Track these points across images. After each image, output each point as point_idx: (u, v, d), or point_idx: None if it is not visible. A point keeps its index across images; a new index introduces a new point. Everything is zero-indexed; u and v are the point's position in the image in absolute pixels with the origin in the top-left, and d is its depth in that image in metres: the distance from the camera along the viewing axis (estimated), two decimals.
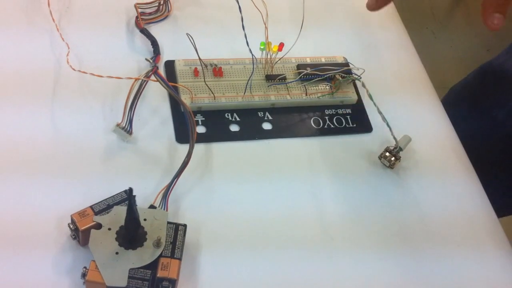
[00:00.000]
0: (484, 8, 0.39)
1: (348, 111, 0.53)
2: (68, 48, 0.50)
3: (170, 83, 0.48)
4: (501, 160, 0.65)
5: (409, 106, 0.55)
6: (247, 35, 0.49)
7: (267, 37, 0.50)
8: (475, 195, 0.50)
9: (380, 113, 0.47)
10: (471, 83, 0.70)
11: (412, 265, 0.45)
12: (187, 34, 0.48)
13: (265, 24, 0.50)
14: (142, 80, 0.46)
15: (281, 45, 0.51)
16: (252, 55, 0.49)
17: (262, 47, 0.51)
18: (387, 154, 0.48)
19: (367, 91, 0.48)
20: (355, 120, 0.53)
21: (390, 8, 0.64)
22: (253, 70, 0.51)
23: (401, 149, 0.48)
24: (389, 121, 0.49)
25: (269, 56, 0.52)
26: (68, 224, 0.40)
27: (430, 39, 1.68)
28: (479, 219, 0.49)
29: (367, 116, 0.53)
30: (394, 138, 0.48)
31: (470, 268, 0.46)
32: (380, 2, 0.48)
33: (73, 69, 0.47)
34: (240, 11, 0.47)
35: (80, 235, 0.40)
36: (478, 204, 0.50)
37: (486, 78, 0.67)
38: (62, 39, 0.50)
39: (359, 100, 0.54)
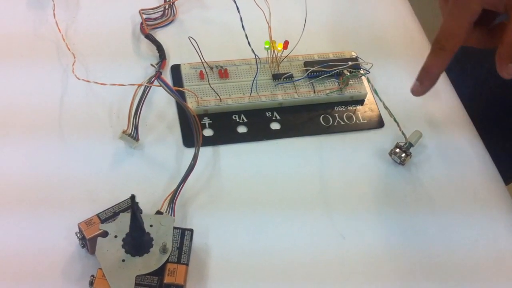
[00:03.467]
0: (499, 59, 0.40)
1: (359, 107, 0.52)
2: (74, 57, 0.50)
3: (175, 88, 0.48)
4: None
5: (423, 100, 0.53)
6: (253, 35, 0.48)
7: (271, 36, 0.50)
8: (491, 185, 0.48)
9: (386, 108, 0.46)
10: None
11: (421, 259, 0.44)
12: (189, 37, 0.48)
13: (268, 23, 0.49)
14: (146, 86, 0.46)
15: (286, 43, 0.50)
16: (255, 55, 0.49)
17: (266, 46, 0.50)
18: (397, 150, 0.47)
19: (372, 86, 0.47)
20: (366, 116, 0.52)
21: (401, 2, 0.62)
22: (257, 70, 0.50)
23: (411, 145, 0.47)
24: (402, 115, 0.47)
25: (274, 55, 0.51)
26: (76, 232, 0.40)
27: None
28: (497, 210, 0.47)
29: (378, 111, 0.52)
30: (403, 134, 0.47)
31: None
32: (426, 85, 0.45)
33: (78, 78, 0.48)
34: (239, 11, 0.46)
35: (87, 243, 0.40)
36: (497, 194, 0.48)
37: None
38: (68, 49, 0.51)
39: (370, 95, 0.53)
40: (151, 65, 0.51)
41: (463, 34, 0.41)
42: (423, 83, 0.44)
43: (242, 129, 0.49)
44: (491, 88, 0.64)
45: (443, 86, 0.55)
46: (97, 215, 0.41)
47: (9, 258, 0.40)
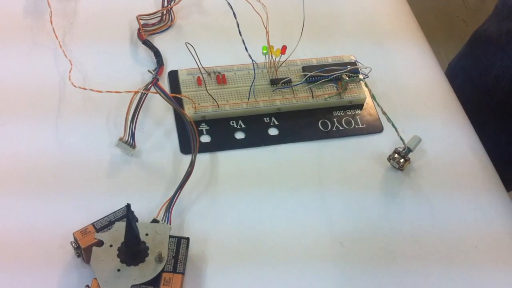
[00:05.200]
0: None
1: (358, 111, 0.52)
2: (71, 64, 0.50)
3: (172, 94, 0.48)
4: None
5: (423, 104, 0.53)
6: (250, 41, 0.48)
7: (269, 41, 0.49)
8: (493, 193, 0.48)
9: (384, 113, 0.46)
10: (463, 54, 0.68)
11: (421, 268, 0.43)
12: (186, 43, 0.47)
13: (265, 28, 0.49)
14: (142, 92, 0.46)
15: (283, 48, 0.50)
16: (253, 60, 0.48)
17: (264, 51, 0.50)
18: (396, 155, 0.47)
19: (370, 91, 0.47)
20: (365, 120, 0.51)
21: (400, 2, 0.62)
22: (254, 75, 0.50)
23: (410, 150, 0.46)
24: (401, 121, 0.47)
25: (272, 60, 0.51)
26: (71, 242, 0.40)
27: (462, 28, 1.63)
28: (498, 220, 0.46)
29: (378, 116, 0.52)
30: (402, 139, 0.46)
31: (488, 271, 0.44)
32: None
33: (74, 86, 0.48)
34: (235, 17, 0.46)
35: (83, 252, 0.40)
36: (497, 201, 0.47)
37: (474, 47, 0.65)
38: (65, 55, 0.51)
39: (370, 100, 0.52)
40: (149, 71, 0.51)
41: None
42: None
43: (240, 135, 0.49)
44: (497, 93, 0.64)
45: (444, 90, 0.55)
46: (93, 224, 0.40)
47: (3, 268, 0.40)
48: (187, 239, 0.41)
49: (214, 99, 0.49)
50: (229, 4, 0.47)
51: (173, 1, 0.55)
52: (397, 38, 0.58)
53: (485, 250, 0.45)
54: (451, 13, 1.65)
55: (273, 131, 0.50)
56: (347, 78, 0.51)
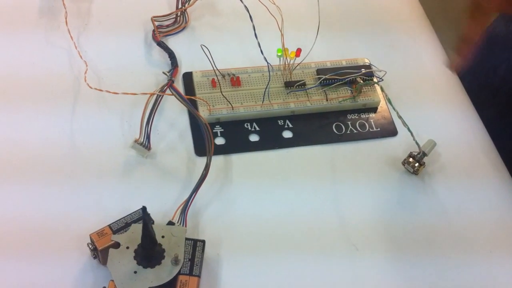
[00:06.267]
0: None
1: (372, 115, 0.52)
2: (86, 65, 0.50)
3: (186, 96, 0.48)
4: None
5: (437, 107, 0.53)
6: (265, 43, 0.48)
7: (283, 44, 0.49)
8: (508, 197, 0.48)
9: (400, 117, 0.46)
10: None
11: (438, 273, 0.43)
12: (201, 45, 0.47)
13: (280, 31, 0.49)
14: (158, 94, 0.46)
15: (298, 51, 0.50)
16: (268, 63, 0.48)
17: (279, 53, 0.50)
18: (411, 160, 0.46)
19: (386, 95, 0.47)
20: (379, 124, 0.51)
21: (415, 4, 0.62)
22: (269, 77, 0.50)
23: (425, 155, 0.46)
24: (415, 124, 0.47)
25: (287, 63, 0.51)
26: (88, 243, 0.40)
27: None
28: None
29: (392, 119, 0.51)
30: (417, 143, 0.46)
31: (503, 276, 0.44)
32: (464, 54, 0.47)
33: (90, 87, 0.48)
34: (251, 20, 0.46)
35: (99, 254, 0.40)
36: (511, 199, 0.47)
37: (481, 47, 0.65)
38: (80, 56, 0.51)
39: (383, 103, 0.52)
40: (163, 72, 0.50)
41: None
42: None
43: (254, 138, 0.49)
44: (506, 95, 0.63)
45: (458, 93, 0.55)
46: (109, 225, 0.40)
47: (19, 268, 0.40)
48: (203, 241, 0.41)
49: (229, 101, 0.49)
50: (245, 6, 0.47)
51: (187, 3, 0.55)
52: (410, 40, 0.58)
53: (499, 255, 0.45)
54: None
55: (287, 134, 0.50)
56: (361, 81, 0.51)
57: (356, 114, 0.51)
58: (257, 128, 0.50)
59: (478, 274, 0.43)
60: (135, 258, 0.39)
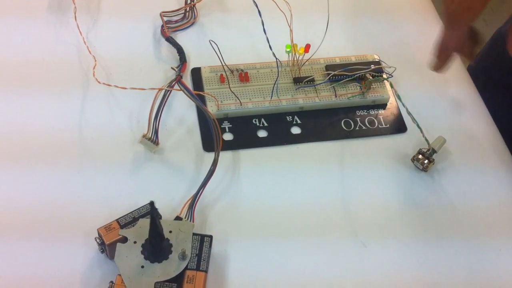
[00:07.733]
0: (510, 35, 0.40)
1: (381, 111, 0.51)
2: (95, 61, 0.50)
3: (195, 92, 0.48)
4: None
5: (447, 104, 0.53)
6: (273, 38, 0.48)
7: (292, 39, 0.49)
8: None
9: (409, 114, 0.45)
10: (484, 54, 0.67)
11: (446, 268, 0.43)
12: (210, 41, 0.47)
13: (289, 26, 0.49)
14: (166, 90, 0.46)
15: (307, 47, 0.50)
16: (276, 58, 0.48)
17: (288, 49, 0.50)
18: (420, 156, 0.46)
19: (395, 92, 0.46)
20: (389, 120, 0.51)
21: (425, 1, 0.61)
22: (278, 73, 0.50)
23: (434, 151, 0.46)
24: (425, 121, 0.46)
25: (295, 58, 0.50)
26: (95, 238, 0.40)
27: (482, 27, 1.62)
28: None
29: (401, 115, 0.51)
30: (426, 140, 0.46)
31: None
32: (441, 60, 0.47)
33: (98, 82, 0.48)
34: (260, 15, 0.46)
35: (107, 248, 0.40)
36: None
37: (495, 47, 0.65)
38: (89, 51, 0.51)
39: (393, 99, 0.52)
40: (172, 68, 0.51)
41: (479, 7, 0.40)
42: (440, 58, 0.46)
43: (262, 134, 0.49)
44: None
45: (468, 92, 0.54)
46: (117, 220, 0.41)
47: (29, 263, 0.41)
48: (210, 237, 0.41)
49: (237, 97, 0.49)
50: (254, 2, 0.47)
51: None
52: (420, 36, 0.58)
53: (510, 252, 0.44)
54: None
55: (295, 130, 0.50)
56: (371, 78, 0.50)
57: (365, 111, 0.51)
58: (266, 124, 0.49)
59: (487, 272, 0.43)
60: (142, 252, 0.39)
